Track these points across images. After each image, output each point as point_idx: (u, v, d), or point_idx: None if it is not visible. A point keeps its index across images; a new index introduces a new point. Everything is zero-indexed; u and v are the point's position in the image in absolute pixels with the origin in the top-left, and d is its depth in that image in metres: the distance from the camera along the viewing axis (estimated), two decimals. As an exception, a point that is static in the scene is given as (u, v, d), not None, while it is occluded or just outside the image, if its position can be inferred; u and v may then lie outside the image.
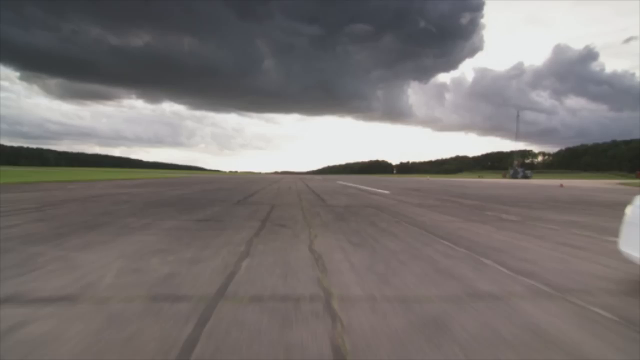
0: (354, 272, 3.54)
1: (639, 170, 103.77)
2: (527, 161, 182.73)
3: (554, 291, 3.10)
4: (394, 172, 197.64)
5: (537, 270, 3.77)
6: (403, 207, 10.47)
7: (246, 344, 2.08)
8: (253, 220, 7.02)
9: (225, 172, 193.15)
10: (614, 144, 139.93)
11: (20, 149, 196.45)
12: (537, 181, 62.26)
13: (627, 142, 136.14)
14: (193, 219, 7.13)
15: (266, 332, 2.24)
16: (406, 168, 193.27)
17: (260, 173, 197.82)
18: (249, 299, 2.77)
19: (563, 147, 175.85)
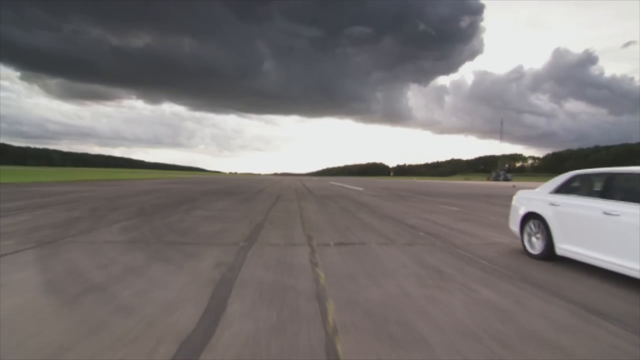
0: (314, 212, 9.43)
1: None
2: (518, 164, 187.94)
3: (401, 223, 8.99)
4: (391, 174, 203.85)
5: (400, 216, 9.63)
6: (362, 196, 16.36)
7: (280, 219, 7.97)
8: (271, 199, 12.93)
9: (225, 174, 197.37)
10: (596, 149, 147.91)
11: (27, 149, 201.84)
12: (510, 183, 68.15)
13: (607, 148, 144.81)
14: (237, 199, 13.02)
15: (284, 216, 8.15)
16: (403, 170, 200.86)
17: (259, 174, 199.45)
18: (278, 214, 8.68)
19: (551, 152, 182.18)
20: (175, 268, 3.78)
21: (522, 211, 5.15)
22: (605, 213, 3.88)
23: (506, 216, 5.89)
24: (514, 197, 5.56)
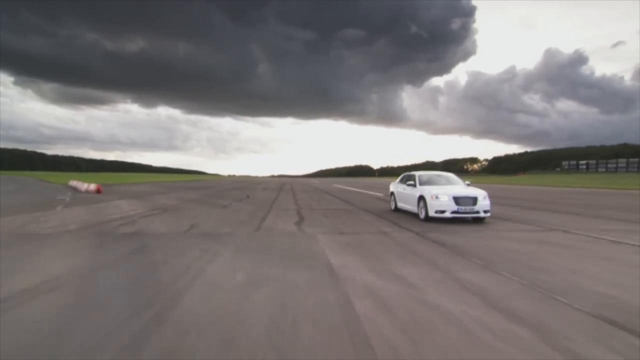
0: (300, 195, 21.82)
1: (521, 172, 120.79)
2: (476, 165, 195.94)
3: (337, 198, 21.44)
4: (376, 175, 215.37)
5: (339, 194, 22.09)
6: (329, 187, 28.69)
7: (285, 198, 20.36)
8: (277, 189, 25.39)
9: (224, 176, 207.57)
10: (520, 155, 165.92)
11: (62, 157, 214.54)
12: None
13: (529, 153, 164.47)
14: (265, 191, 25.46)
15: (288, 196, 20.50)
16: (386, 172, 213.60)
17: (257, 176, 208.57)
18: (284, 195, 21.05)
19: (492, 157, 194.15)
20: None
21: (389, 190, 12.21)
22: (404, 189, 10.82)
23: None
24: (390, 185, 12.61)
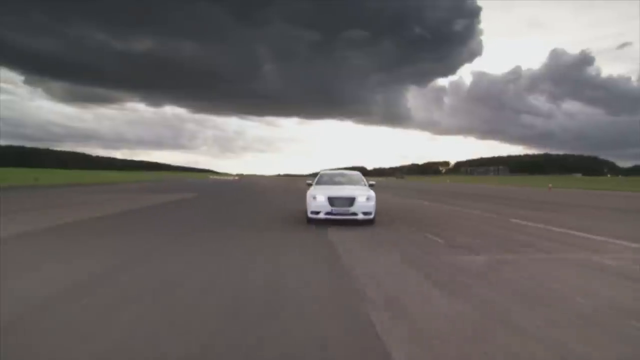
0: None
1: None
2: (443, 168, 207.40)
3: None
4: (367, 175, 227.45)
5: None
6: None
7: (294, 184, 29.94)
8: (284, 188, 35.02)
9: (233, 175, 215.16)
10: (468, 161, 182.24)
11: (71, 153, 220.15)
12: (403, 180, 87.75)
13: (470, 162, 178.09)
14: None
15: (289, 184, 30.08)
16: (379, 172, 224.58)
17: (264, 176, 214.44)
18: (296, 186, 30.62)
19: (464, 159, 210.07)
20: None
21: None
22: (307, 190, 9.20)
23: None
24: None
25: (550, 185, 34.01)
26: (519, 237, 6.38)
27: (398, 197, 17.93)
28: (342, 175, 10.14)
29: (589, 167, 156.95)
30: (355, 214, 7.94)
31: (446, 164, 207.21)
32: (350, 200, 7.98)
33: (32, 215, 8.84)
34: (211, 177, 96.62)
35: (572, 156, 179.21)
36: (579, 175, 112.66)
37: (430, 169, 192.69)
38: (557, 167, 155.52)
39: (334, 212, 7.89)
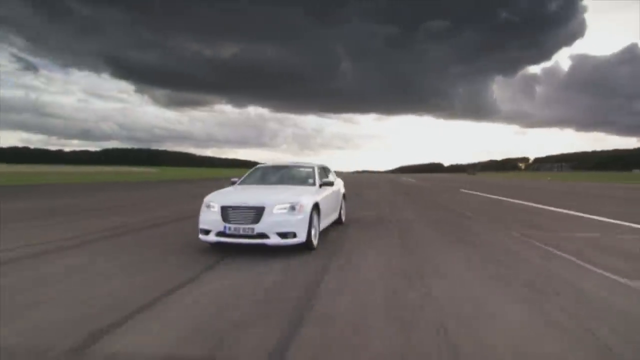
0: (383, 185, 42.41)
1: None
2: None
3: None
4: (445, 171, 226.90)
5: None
6: (402, 181, 48.74)
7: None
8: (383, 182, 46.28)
9: None
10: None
11: (170, 153, 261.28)
12: (476, 177, 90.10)
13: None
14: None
15: (372, 178, 41.24)
16: (455, 168, 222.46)
17: (342, 172, 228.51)
18: (377, 179, 41.81)
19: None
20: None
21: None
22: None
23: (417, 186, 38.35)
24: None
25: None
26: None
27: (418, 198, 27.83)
28: (287, 169, 7.02)
29: None
30: (263, 235, 4.83)
31: (525, 160, 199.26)
32: (256, 212, 4.86)
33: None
34: None
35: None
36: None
37: (508, 165, 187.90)
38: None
39: (228, 231, 4.88)
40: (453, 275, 4.38)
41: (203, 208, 5.37)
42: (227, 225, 4.98)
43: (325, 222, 6.28)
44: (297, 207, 5.09)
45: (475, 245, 6.19)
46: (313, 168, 6.89)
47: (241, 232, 4.94)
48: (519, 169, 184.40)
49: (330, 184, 6.72)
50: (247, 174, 6.88)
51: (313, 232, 5.40)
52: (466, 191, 23.71)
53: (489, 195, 18.94)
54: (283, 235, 4.95)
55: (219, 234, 5.05)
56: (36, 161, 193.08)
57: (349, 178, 69.48)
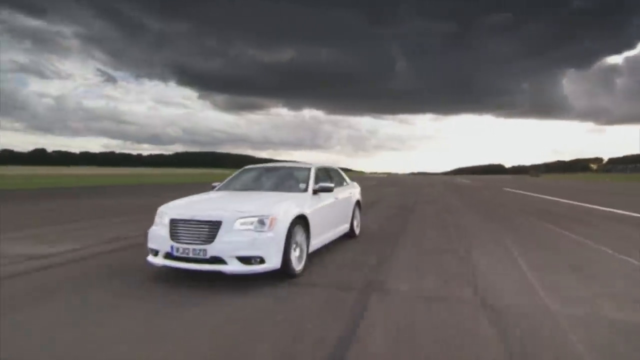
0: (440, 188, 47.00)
1: None
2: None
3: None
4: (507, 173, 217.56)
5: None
6: (456, 182, 52.80)
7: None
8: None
9: (366, 173, 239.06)
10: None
11: (231, 155, 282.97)
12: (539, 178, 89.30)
13: None
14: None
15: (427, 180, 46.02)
16: (517, 170, 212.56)
17: (397, 174, 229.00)
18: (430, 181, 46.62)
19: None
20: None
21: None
22: None
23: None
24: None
25: None
26: None
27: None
28: (276, 171, 5.61)
29: None
30: (217, 260, 3.67)
31: (598, 160, 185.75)
32: (210, 228, 3.72)
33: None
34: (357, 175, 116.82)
35: None
36: None
37: (577, 166, 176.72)
38: None
39: (175, 253, 3.81)
40: (470, 221, 9.95)
41: (156, 220, 4.15)
42: (175, 244, 3.75)
43: (321, 239, 4.90)
44: (268, 222, 3.75)
45: (487, 213, 12.03)
46: (309, 169, 5.38)
47: (191, 255, 3.67)
48: (590, 170, 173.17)
49: (329, 189, 5.07)
50: (229, 178, 5.61)
51: (296, 253, 4.11)
52: (509, 189, 28.21)
53: (531, 194, 21.32)
54: (245, 260, 3.63)
55: (167, 255, 3.83)
56: (120, 164, 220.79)
57: (406, 179, 73.66)
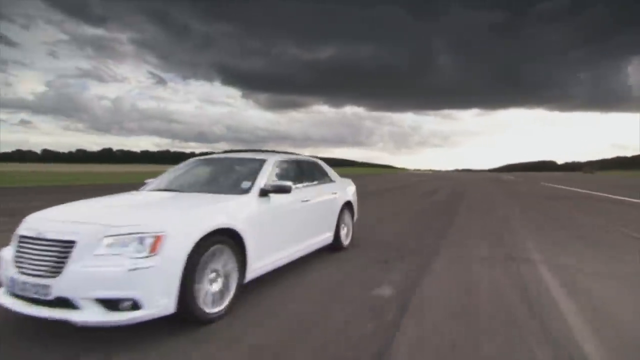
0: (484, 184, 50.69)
1: None
2: None
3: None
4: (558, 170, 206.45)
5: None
6: (502, 178, 55.93)
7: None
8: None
9: (410, 170, 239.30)
10: None
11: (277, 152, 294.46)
12: (593, 175, 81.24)
13: None
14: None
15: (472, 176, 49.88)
16: (570, 167, 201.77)
17: (440, 171, 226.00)
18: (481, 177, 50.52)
19: None
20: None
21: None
22: None
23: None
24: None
25: None
26: None
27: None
28: (221, 164, 4.26)
29: None
30: (64, 302, 2.20)
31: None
32: (60, 252, 2.28)
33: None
34: (400, 172, 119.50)
35: None
36: None
37: (639, 161, 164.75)
38: None
39: (15, 288, 2.35)
40: (502, 201, 15.52)
41: (14, 236, 2.71)
42: (14, 276, 2.39)
43: (270, 259, 3.45)
44: (149, 242, 2.33)
45: (511, 196, 17.37)
46: (262, 162, 3.81)
47: (30, 294, 2.30)
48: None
49: (284, 189, 3.48)
50: (165, 173, 4.28)
51: (213, 288, 2.71)
52: (546, 184, 32.02)
53: (564, 187, 24.90)
54: (109, 303, 2.22)
55: (9, 290, 2.46)
56: (177, 162, 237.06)
57: (452, 175, 75.91)
